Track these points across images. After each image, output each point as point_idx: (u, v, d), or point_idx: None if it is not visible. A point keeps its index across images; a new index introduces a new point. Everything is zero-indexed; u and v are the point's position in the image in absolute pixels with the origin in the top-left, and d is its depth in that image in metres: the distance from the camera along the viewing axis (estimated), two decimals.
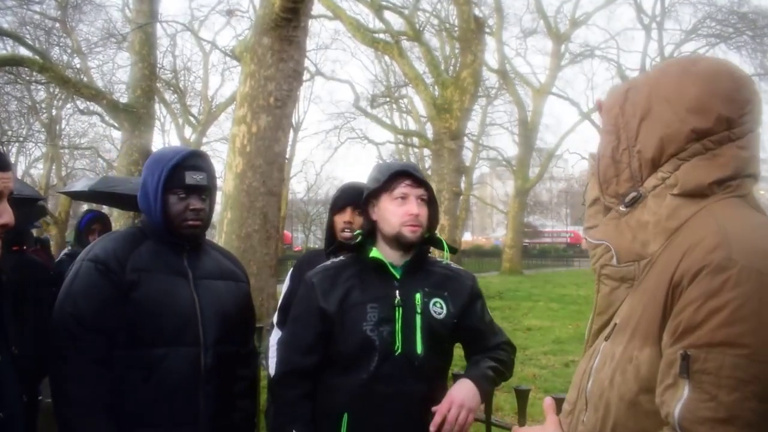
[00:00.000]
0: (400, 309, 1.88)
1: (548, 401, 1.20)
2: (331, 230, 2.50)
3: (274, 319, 2.47)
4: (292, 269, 2.57)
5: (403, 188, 1.90)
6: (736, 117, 1.02)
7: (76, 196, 6.42)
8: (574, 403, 1.14)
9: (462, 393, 1.81)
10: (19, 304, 2.33)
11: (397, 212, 1.89)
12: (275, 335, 2.43)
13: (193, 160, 1.99)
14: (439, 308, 1.93)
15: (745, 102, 1.03)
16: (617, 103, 1.14)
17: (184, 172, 1.95)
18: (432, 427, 1.78)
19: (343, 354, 1.88)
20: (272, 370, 2.21)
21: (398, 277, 1.93)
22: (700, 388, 0.87)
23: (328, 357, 1.92)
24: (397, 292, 1.90)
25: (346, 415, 1.85)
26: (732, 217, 0.99)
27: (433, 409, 1.79)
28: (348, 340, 1.87)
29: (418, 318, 1.89)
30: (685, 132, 1.02)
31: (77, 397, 1.80)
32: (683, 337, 0.90)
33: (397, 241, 1.91)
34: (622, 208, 1.09)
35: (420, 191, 1.92)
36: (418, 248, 1.96)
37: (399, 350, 1.85)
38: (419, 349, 1.87)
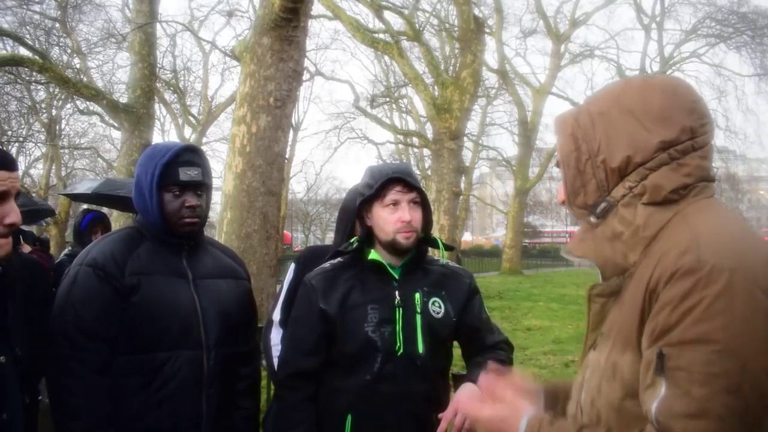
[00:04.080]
0: (401, 309, 1.88)
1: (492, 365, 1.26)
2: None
3: (275, 316, 2.44)
4: (294, 264, 2.53)
5: (394, 194, 1.89)
6: (698, 126, 1.06)
7: (77, 198, 6.42)
8: (573, 416, 1.16)
9: (467, 398, 1.80)
10: (19, 304, 2.31)
11: (389, 219, 1.88)
12: (277, 333, 2.40)
13: (186, 155, 1.92)
14: (437, 308, 1.93)
15: (704, 113, 1.08)
16: (570, 117, 1.16)
17: (178, 168, 1.89)
18: None
19: (346, 355, 1.88)
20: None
21: (397, 277, 1.93)
22: (674, 384, 0.90)
23: (329, 358, 1.92)
24: (397, 292, 1.90)
25: (349, 416, 1.85)
26: (704, 220, 1.02)
27: (440, 416, 1.79)
28: (350, 341, 1.87)
29: (418, 318, 1.89)
30: (653, 143, 1.05)
31: (81, 410, 1.76)
32: (660, 338, 0.94)
33: (393, 247, 1.91)
34: (593, 219, 1.11)
35: (412, 195, 1.90)
36: (416, 249, 1.96)
37: (401, 350, 1.86)
38: (420, 348, 1.87)
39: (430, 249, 2.06)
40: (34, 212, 6.87)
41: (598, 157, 1.10)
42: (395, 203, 1.89)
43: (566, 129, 1.15)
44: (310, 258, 2.46)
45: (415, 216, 1.90)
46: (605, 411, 1.04)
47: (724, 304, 0.89)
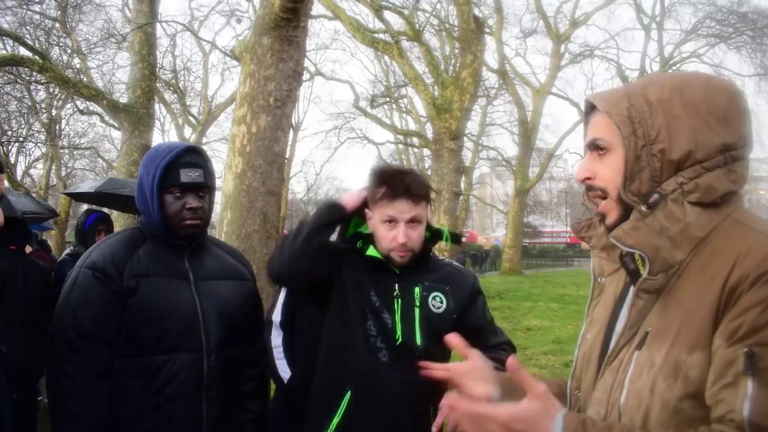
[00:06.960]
0: (399, 300, 1.92)
1: (512, 362, 1.03)
2: None
3: (275, 317, 2.43)
4: None
5: (393, 212, 1.88)
6: (749, 136, 1.06)
7: (79, 197, 6.44)
8: (604, 418, 1.08)
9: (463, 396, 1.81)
10: (8, 303, 2.31)
11: (386, 236, 1.90)
12: (277, 334, 2.39)
13: (188, 156, 1.91)
14: (438, 302, 1.95)
15: (751, 124, 1.07)
16: (623, 97, 1.09)
17: (179, 170, 1.88)
18: (434, 428, 1.78)
19: (346, 342, 1.91)
20: (282, 373, 2.20)
21: (398, 272, 1.96)
22: (767, 384, 0.88)
23: (330, 342, 1.96)
24: (397, 285, 1.93)
25: (349, 393, 1.87)
26: (764, 226, 1.02)
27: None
28: (349, 328, 1.90)
29: (417, 311, 1.92)
30: (716, 143, 1.03)
31: (78, 414, 1.76)
32: (747, 337, 0.91)
33: (388, 260, 1.93)
34: (644, 209, 1.05)
35: (412, 214, 1.88)
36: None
37: (399, 340, 1.89)
38: (419, 340, 1.90)
39: (433, 250, 2.08)
40: (38, 218, 6.92)
41: (655, 146, 1.05)
42: (392, 220, 1.88)
43: (621, 109, 1.07)
44: None
45: (412, 235, 1.90)
46: (657, 411, 0.99)
47: None
